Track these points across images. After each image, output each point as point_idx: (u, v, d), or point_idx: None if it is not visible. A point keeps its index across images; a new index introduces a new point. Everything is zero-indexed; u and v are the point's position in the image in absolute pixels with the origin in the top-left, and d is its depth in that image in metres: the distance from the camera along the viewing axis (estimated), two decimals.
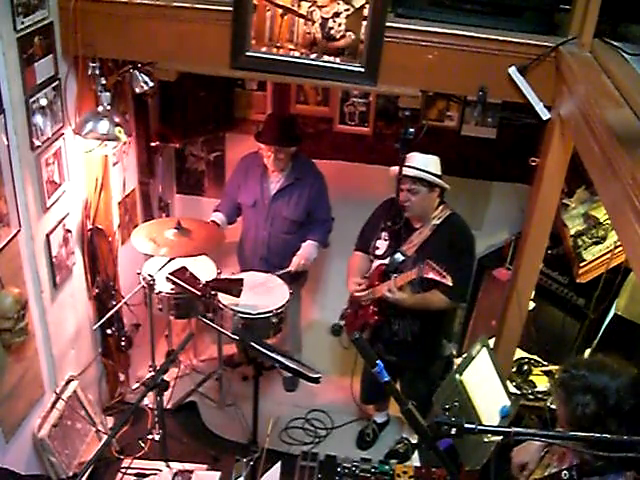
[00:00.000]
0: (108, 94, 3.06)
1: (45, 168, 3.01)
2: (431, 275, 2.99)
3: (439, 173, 3.21)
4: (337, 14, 2.89)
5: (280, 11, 2.90)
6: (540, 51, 2.65)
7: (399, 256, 3.28)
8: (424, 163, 3.18)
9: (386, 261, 3.33)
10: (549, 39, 2.67)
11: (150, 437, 3.68)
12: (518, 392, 3.40)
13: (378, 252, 3.37)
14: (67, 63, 3.05)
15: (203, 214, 4.37)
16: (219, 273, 3.78)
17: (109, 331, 3.79)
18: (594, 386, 1.90)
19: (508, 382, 2.76)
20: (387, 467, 2.90)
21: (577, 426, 1.92)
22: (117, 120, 3.09)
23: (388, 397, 3.94)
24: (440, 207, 3.28)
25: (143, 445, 3.65)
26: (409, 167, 3.14)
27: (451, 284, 3.01)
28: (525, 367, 3.56)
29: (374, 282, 3.36)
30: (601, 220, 3.49)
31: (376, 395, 3.91)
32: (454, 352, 4.35)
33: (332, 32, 2.89)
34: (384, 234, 3.36)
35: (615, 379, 1.90)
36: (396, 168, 3.17)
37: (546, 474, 2.16)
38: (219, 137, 4.70)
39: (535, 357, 3.64)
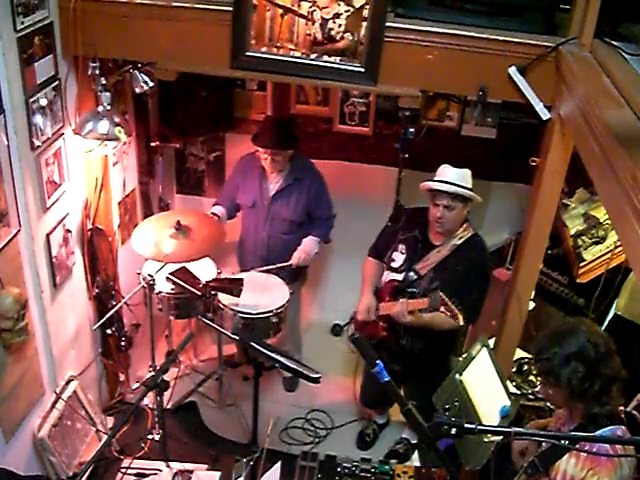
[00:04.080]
0: (108, 94, 3.05)
1: (45, 168, 3.01)
2: (442, 309, 2.91)
3: (471, 186, 3.13)
4: (337, 15, 2.89)
5: (280, 11, 2.91)
6: (540, 51, 2.64)
7: (412, 275, 3.22)
8: (460, 178, 3.09)
9: (399, 277, 3.27)
10: (549, 39, 2.67)
11: (150, 437, 3.69)
12: (518, 392, 3.40)
13: (394, 264, 3.30)
14: (67, 63, 3.05)
15: None
16: (219, 273, 3.78)
17: (109, 331, 3.79)
18: (571, 353, 2.06)
19: (508, 382, 2.76)
20: (387, 467, 2.90)
21: (578, 393, 2.08)
22: (117, 120, 3.09)
23: (388, 404, 3.92)
24: (464, 225, 3.19)
25: (143, 445, 3.65)
26: (446, 183, 3.06)
27: (462, 324, 2.95)
28: (525, 367, 3.56)
29: (384, 297, 3.32)
30: (601, 220, 3.49)
31: (376, 401, 3.89)
32: None
33: (332, 33, 2.90)
34: (402, 246, 3.29)
35: (579, 336, 2.08)
36: (429, 183, 3.10)
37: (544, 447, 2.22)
38: (219, 137, 4.70)
39: None
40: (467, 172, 3.14)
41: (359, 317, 3.38)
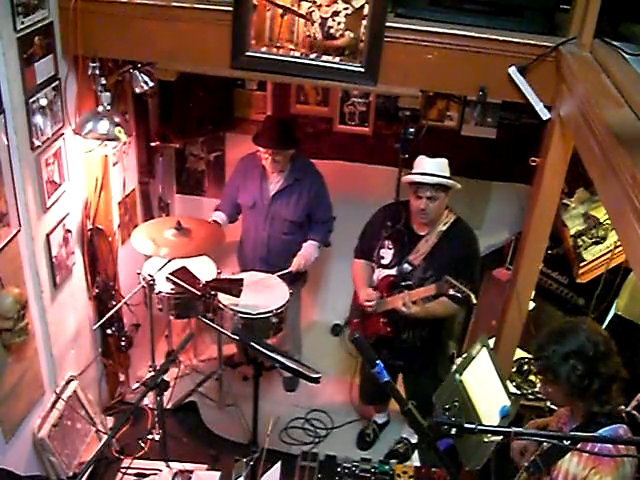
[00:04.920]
0: (108, 94, 3.06)
1: (45, 168, 3.01)
2: (451, 292, 2.95)
3: (449, 174, 3.16)
4: (336, 13, 2.89)
5: (280, 11, 2.90)
6: (540, 51, 2.65)
7: (407, 266, 3.24)
8: (439, 168, 3.11)
9: (393, 271, 3.28)
10: (549, 39, 2.67)
11: (150, 437, 3.68)
12: (518, 392, 3.40)
13: (384, 261, 3.32)
14: (67, 63, 3.05)
15: (203, 214, 4.37)
16: (219, 273, 3.79)
17: (109, 331, 3.79)
18: (570, 351, 2.06)
19: (508, 382, 2.76)
20: (387, 467, 2.90)
21: (577, 391, 2.08)
22: (117, 120, 3.09)
23: (388, 399, 3.94)
24: (445, 211, 3.23)
25: (143, 445, 3.65)
26: (426, 174, 3.08)
27: (475, 302, 2.99)
28: (525, 367, 3.55)
29: (382, 293, 3.32)
30: (601, 220, 3.49)
31: (376, 397, 3.90)
32: (454, 351, 4.36)
33: (331, 31, 2.89)
34: (387, 242, 3.31)
35: (580, 334, 2.08)
36: (410, 176, 3.12)
37: (545, 447, 2.23)
38: (219, 137, 4.70)
39: None
40: (444, 161, 3.16)
41: (366, 305, 3.32)
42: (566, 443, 1.98)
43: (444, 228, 3.22)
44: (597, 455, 2.00)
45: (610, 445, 2.00)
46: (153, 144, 4.10)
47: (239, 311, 3.53)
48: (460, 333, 4.43)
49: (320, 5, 2.88)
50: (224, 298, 3.55)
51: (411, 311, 3.13)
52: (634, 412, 2.49)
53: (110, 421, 3.86)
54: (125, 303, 3.67)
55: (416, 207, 3.16)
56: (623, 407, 2.19)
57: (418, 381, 3.49)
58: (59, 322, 3.33)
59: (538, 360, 2.17)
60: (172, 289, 3.55)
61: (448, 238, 3.21)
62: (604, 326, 3.38)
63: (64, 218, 3.25)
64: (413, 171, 3.16)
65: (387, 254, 3.32)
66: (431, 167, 3.11)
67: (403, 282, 3.24)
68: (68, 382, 3.47)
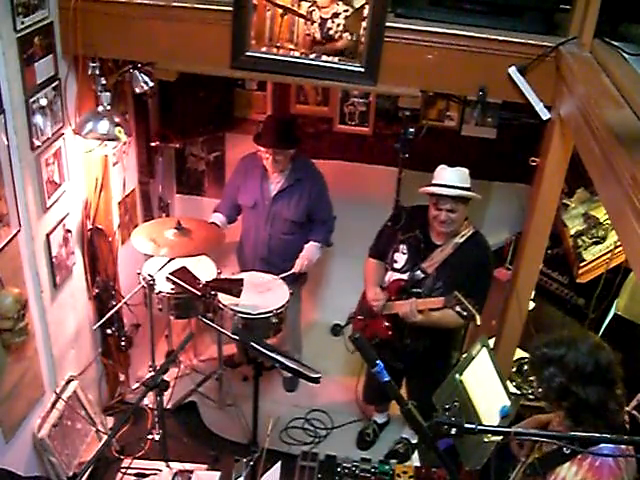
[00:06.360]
0: (108, 94, 3.05)
1: (45, 168, 3.01)
2: (458, 309, 2.91)
3: (470, 185, 3.14)
4: (336, 14, 2.89)
5: (280, 11, 2.91)
6: (540, 51, 2.65)
7: (419, 273, 3.21)
8: (461, 179, 3.09)
9: (405, 276, 3.27)
10: (549, 39, 2.67)
11: (150, 437, 3.68)
12: (518, 392, 3.40)
13: (396, 265, 3.30)
14: (67, 63, 3.05)
15: (203, 214, 4.37)
16: (219, 273, 3.78)
17: (109, 331, 3.79)
18: (554, 358, 2.07)
19: (508, 382, 2.76)
20: (387, 467, 2.90)
21: (553, 400, 2.11)
22: (117, 120, 3.09)
23: (390, 400, 3.93)
24: (465, 223, 3.20)
25: (143, 445, 3.65)
26: (446, 186, 3.06)
27: (479, 324, 2.95)
28: (525, 367, 3.56)
29: (390, 296, 3.31)
30: (601, 220, 3.49)
31: (380, 397, 3.89)
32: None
33: (331, 32, 2.90)
34: (402, 247, 3.29)
35: (572, 348, 2.07)
36: (431, 188, 3.09)
37: (546, 450, 2.21)
38: (219, 137, 4.70)
39: None
40: (465, 172, 3.14)
41: (373, 305, 3.33)
42: (564, 443, 1.97)
43: (461, 240, 3.18)
44: (595, 457, 1.98)
45: (611, 460, 1.98)
46: (153, 144, 4.10)
47: (239, 311, 3.53)
48: (462, 335, 4.43)
49: (320, 6, 2.88)
50: (224, 298, 3.55)
51: (415, 319, 3.11)
52: (634, 412, 2.48)
53: (110, 421, 3.86)
54: (125, 303, 3.67)
55: (436, 218, 3.13)
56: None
57: (419, 391, 3.45)
58: (59, 322, 3.33)
59: (531, 354, 2.21)
60: (172, 289, 3.55)
61: (463, 251, 3.17)
62: (604, 326, 3.38)
63: (64, 218, 3.25)
64: (433, 182, 3.12)
65: (401, 258, 3.29)
66: (452, 178, 3.07)
67: (413, 288, 3.22)
68: (68, 382, 3.47)
